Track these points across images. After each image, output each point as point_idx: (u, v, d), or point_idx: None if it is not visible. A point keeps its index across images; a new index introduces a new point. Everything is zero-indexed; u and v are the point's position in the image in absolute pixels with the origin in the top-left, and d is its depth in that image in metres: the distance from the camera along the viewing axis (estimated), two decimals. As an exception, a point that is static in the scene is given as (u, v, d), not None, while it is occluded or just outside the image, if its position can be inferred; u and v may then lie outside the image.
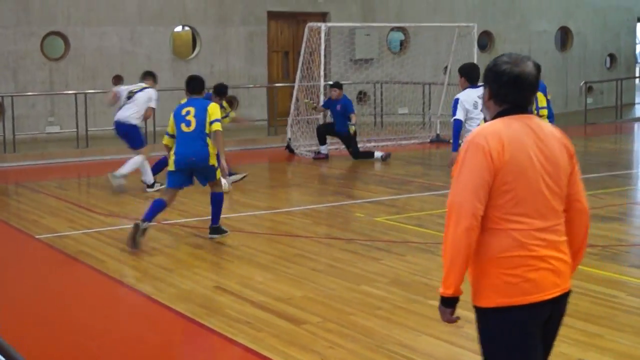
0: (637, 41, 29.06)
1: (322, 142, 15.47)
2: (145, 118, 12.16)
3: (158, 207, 8.58)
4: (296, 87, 16.90)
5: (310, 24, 16.81)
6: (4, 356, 2.65)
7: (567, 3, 24.43)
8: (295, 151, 16.16)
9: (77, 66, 17.66)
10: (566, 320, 5.93)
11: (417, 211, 10.11)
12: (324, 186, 13.02)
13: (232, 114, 12.98)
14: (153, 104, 11.85)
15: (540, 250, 3.30)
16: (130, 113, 11.76)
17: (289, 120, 16.70)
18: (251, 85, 19.36)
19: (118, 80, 17.48)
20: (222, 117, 9.43)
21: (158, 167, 12.02)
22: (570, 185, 3.45)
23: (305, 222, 9.75)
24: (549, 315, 3.40)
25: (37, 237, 9.09)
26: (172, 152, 8.64)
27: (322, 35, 16.21)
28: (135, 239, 8.27)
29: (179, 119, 8.59)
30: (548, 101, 10.25)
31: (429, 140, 17.81)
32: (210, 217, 8.92)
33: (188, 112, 8.58)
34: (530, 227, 3.28)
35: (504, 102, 3.37)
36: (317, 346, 5.53)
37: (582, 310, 6.17)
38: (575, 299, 6.42)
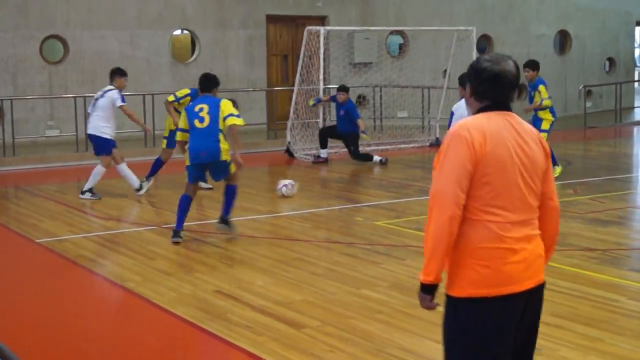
0: (636, 45, 29.10)
1: (324, 145, 15.46)
2: (133, 120, 11.93)
3: (185, 205, 8.78)
4: (295, 90, 16.89)
5: (309, 28, 16.82)
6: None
7: (566, 7, 24.46)
8: (295, 155, 16.17)
9: (77, 70, 17.65)
10: (567, 324, 5.99)
11: (417, 215, 10.10)
12: (323, 190, 13.02)
13: None
14: (118, 103, 11.43)
15: (515, 242, 3.39)
16: (96, 123, 11.47)
17: (289, 123, 16.70)
18: (250, 89, 19.37)
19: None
20: None
21: (155, 168, 12.07)
22: (545, 183, 3.55)
23: (305, 226, 9.75)
24: (523, 307, 3.45)
25: (36, 241, 9.09)
26: (186, 147, 8.88)
27: (321, 38, 16.20)
28: (178, 243, 8.70)
29: (193, 115, 8.77)
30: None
31: (428, 144, 17.81)
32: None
33: (201, 109, 8.76)
34: (506, 220, 3.38)
35: (484, 99, 3.50)
36: (317, 350, 5.53)
37: (582, 314, 6.18)
38: (575, 303, 6.46)
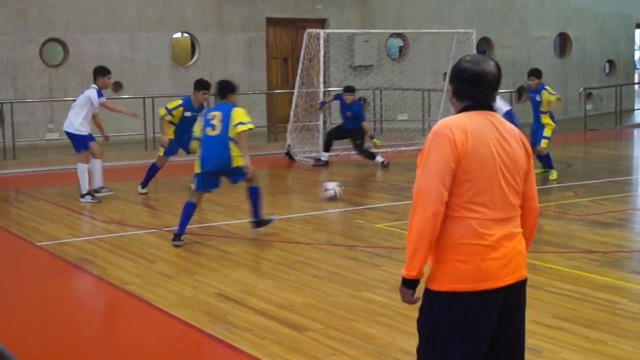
0: (636, 47, 29.13)
1: (327, 148, 15.42)
2: (117, 111, 11.93)
3: (189, 211, 8.80)
4: (295, 93, 16.89)
5: (309, 31, 16.80)
6: None
7: (565, 9, 24.46)
8: (295, 158, 16.16)
9: (76, 72, 17.64)
10: (568, 326, 5.99)
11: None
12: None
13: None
14: (96, 101, 11.40)
15: (495, 240, 3.44)
16: (71, 120, 11.55)
17: (289, 126, 16.69)
18: (250, 92, 19.36)
19: (117, 86, 17.51)
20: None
21: (150, 174, 12.06)
22: (526, 183, 3.61)
23: (306, 228, 9.75)
24: (502, 303, 3.49)
25: (37, 244, 9.08)
26: (197, 155, 8.91)
27: (321, 41, 16.19)
28: (179, 246, 8.71)
29: (206, 123, 8.85)
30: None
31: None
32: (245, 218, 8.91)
33: (214, 117, 8.83)
34: (486, 217, 3.44)
35: (465, 98, 3.57)
36: (320, 353, 5.52)
37: (584, 316, 6.18)
38: (577, 305, 6.46)
